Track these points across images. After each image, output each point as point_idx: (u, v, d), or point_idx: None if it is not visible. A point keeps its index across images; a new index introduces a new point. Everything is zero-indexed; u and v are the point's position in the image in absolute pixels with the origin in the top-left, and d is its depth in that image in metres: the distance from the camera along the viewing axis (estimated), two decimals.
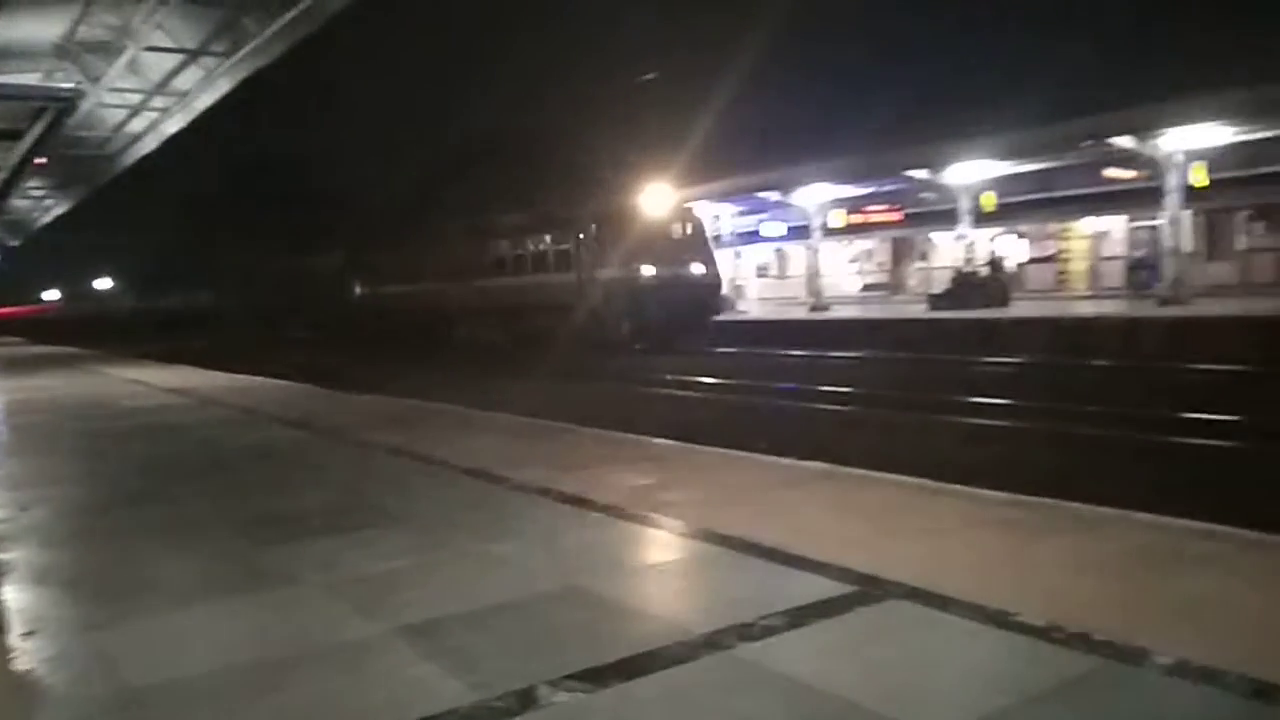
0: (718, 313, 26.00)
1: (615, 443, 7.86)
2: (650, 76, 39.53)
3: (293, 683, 3.03)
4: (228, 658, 3.29)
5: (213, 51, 21.68)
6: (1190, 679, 2.80)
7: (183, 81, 23.84)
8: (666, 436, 7.99)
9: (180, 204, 65.84)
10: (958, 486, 5.57)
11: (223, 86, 23.20)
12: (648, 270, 24.02)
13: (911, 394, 13.10)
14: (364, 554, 4.52)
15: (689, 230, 26.22)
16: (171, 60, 22.46)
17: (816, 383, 14.51)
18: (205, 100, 24.45)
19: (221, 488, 6.49)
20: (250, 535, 5.03)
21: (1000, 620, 3.32)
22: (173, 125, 27.30)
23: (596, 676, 2.95)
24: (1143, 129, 21.73)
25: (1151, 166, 23.36)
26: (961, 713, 2.67)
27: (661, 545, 4.69)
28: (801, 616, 3.44)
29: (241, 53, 20.63)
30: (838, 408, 12.67)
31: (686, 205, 27.86)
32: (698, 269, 25.27)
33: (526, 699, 2.81)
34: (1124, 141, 22.39)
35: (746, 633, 3.29)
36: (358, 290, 36.77)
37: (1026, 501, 5.13)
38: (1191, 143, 21.72)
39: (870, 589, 3.71)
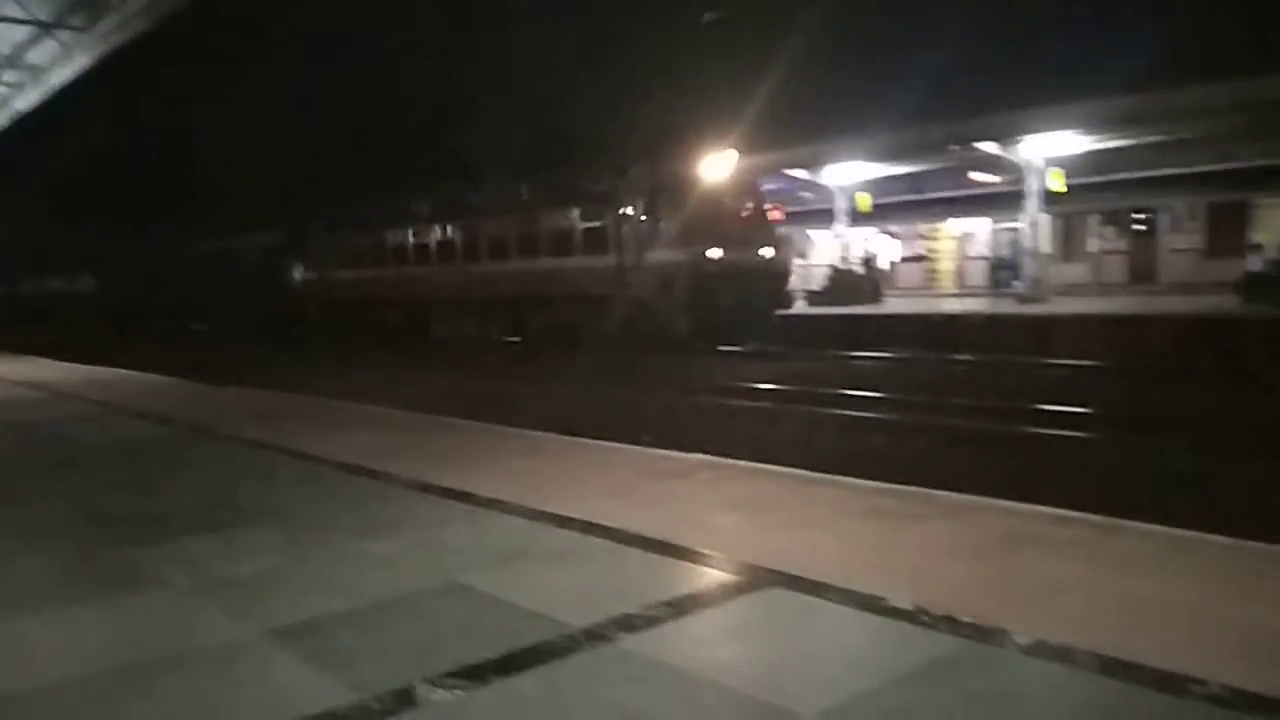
0: (786, 306, 21.69)
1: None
2: (714, 16, 31.28)
3: (157, 689, 2.90)
4: (87, 665, 3.12)
5: (70, 25, 20.43)
6: (1046, 658, 2.96)
7: (37, 56, 22.40)
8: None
9: (48, 186, 60.00)
10: (832, 476, 5.74)
11: (81, 62, 21.89)
12: (715, 253, 19.56)
13: (792, 387, 13.46)
14: (234, 553, 4.35)
15: (756, 206, 21.62)
16: (23, 32, 21.08)
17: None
18: (62, 76, 23.03)
19: (78, 486, 6.13)
20: (109, 536, 4.78)
21: (872, 605, 3.45)
22: (24, 102, 25.63)
23: (477, 673, 2.92)
24: (1004, 136, 22.78)
25: (1013, 171, 24.54)
26: (835, 694, 2.76)
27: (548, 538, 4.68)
28: (684, 606, 3.49)
29: (103, 26, 19.50)
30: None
31: (750, 176, 22.68)
32: (767, 252, 20.99)
33: (404, 698, 2.77)
34: (988, 147, 23.45)
35: (628, 624, 3.32)
36: (299, 276, 32.35)
37: (896, 490, 5.33)
38: (1050, 150, 22.92)
39: (750, 578, 3.79)
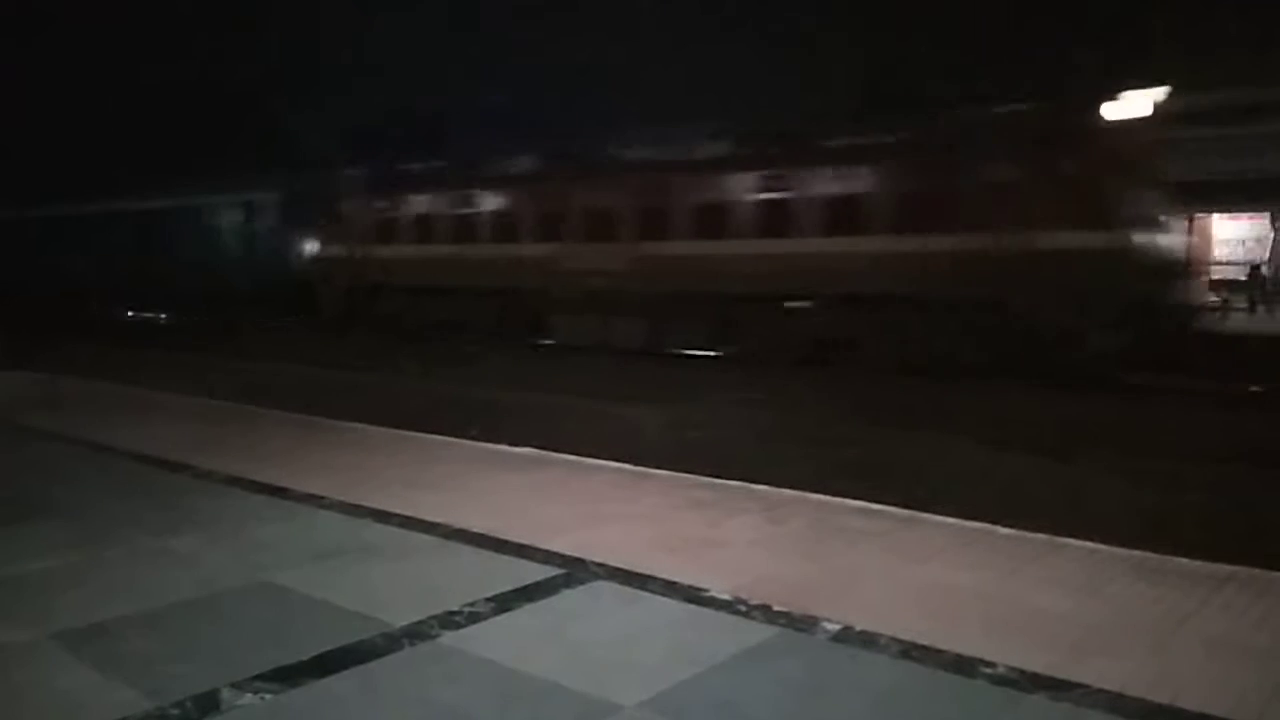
0: (1196, 314, 14.70)
1: None
2: None
3: None
4: None
5: None
6: (853, 644, 3.12)
7: None
8: None
9: None
10: (658, 471, 5.84)
11: None
12: (1161, 240, 13.31)
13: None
14: (14, 551, 4.00)
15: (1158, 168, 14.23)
16: None
17: None
18: None
19: None
20: None
21: (692, 596, 3.53)
22: None
23: (288, 675, 2.80)
24: None
25: None
26: (655, 684, 2.81)
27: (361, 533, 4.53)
28: (508, 601, 3.47)
29: None
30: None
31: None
32: (1179, 240, 14.75)
33: (208, 704, 2.62)
34: None
35: (450, 620, 3.27)
36: (321, 250, 23.45)
37: (715, 484, 5.47)
38: None
39: (574, 571, 3.81)
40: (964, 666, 2.93)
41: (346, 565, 3.94)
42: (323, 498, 5.00)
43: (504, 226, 19.60)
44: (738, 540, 4.36)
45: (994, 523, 4.62)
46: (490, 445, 6.81)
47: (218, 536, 4.34)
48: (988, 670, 2.90)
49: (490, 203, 20.06)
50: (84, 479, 5.58)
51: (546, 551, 4.07)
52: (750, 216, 15.84)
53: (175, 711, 2.57)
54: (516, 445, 6.70)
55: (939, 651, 3.03)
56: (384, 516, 4.66)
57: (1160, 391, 11.79)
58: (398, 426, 7.51)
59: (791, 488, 5.35)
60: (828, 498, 5.15)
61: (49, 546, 4.10)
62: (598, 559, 3.95)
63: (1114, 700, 2.69)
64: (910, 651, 3.04)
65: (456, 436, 7.18)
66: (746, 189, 15.98)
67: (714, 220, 16.18)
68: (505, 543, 4.20)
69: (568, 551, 4.06)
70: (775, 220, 15.44)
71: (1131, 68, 15.81)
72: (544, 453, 6.47)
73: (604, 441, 7.35)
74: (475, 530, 4.37)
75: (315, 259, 23.59)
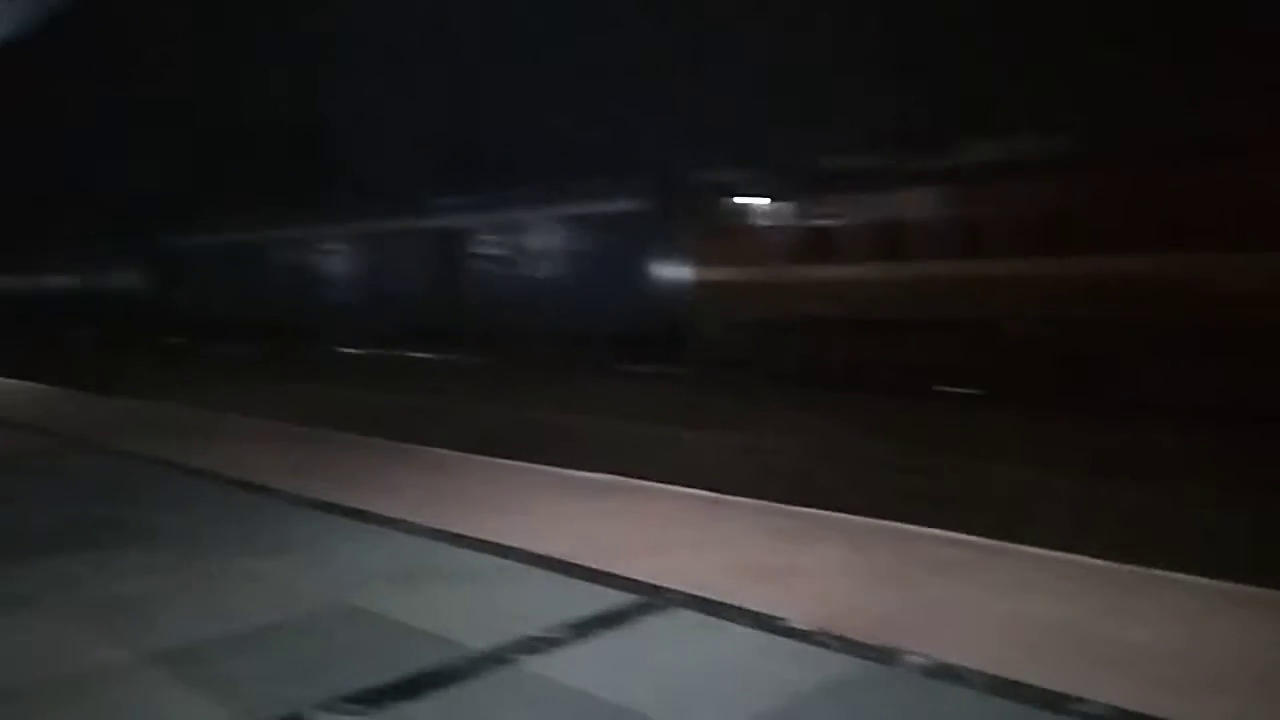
0: None
1: None
2: None
3: (28, 717, 2.73)
4: None
5: None
6: (939, 677, 3.03)
7: None
8: None
9: None
10: (735, 497, 5.78)
11: None
12: None
13: None
14: (112, 573, 4.14)
15: None
16: None
17: None
18: None
19: None
20: None
21: (771, 625, 3.48)
22: None
23: (373, 698, 2.84)
24: None
25: None
26: (735, 715, 2.77)
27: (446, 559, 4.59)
28: (586, 627, 3.47)
29: None
30: None
31: None
32: None
33: None
34: None
35: (529, 645, 3.27)
36: (702, 273, 16.94)
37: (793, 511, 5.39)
38: None
39: (652, 598, 3.79)
40: (1056, 703, 2.82)
41: (427, 588, 3.98)
42: (403, 521, 5.08)
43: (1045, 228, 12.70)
44: (818, 569, 4.29)
45: (1086, 554, 4.46)
46: (566, 470, 6.84)
47: (303, 559, 4.43)
48: (1081, 708, 2.79)
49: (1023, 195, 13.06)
50: (178, 500, 5.75)
51: (623, 578, 4.06)
52: None
53: None
54: (592, 471, 6.72)
55: (1029, 687, 2.92)
56: (462, 540, 4.71)
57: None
58: (473, 451, 7.60)
59: (873, 516, 5.25)
60: (911, 526, 5.04)
61: (144, 568, 4.24)
62: (675, 586, 3.92)
63: None
64: (999, 687, 2.94)
65: (536, 461, 7.22)
66: None
67: None
68: (582, 568, 4.20)
69: (645, 578, 4.04)
70: None
71: None
72: (619, 478, 6.47)
73: (679, 467, 7.33)
74: (553, 555, 4.38)
75: (694, 285, 16.92)
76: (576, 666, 3.12)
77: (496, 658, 3.17)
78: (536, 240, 20.73)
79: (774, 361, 15.44)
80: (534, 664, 3.14)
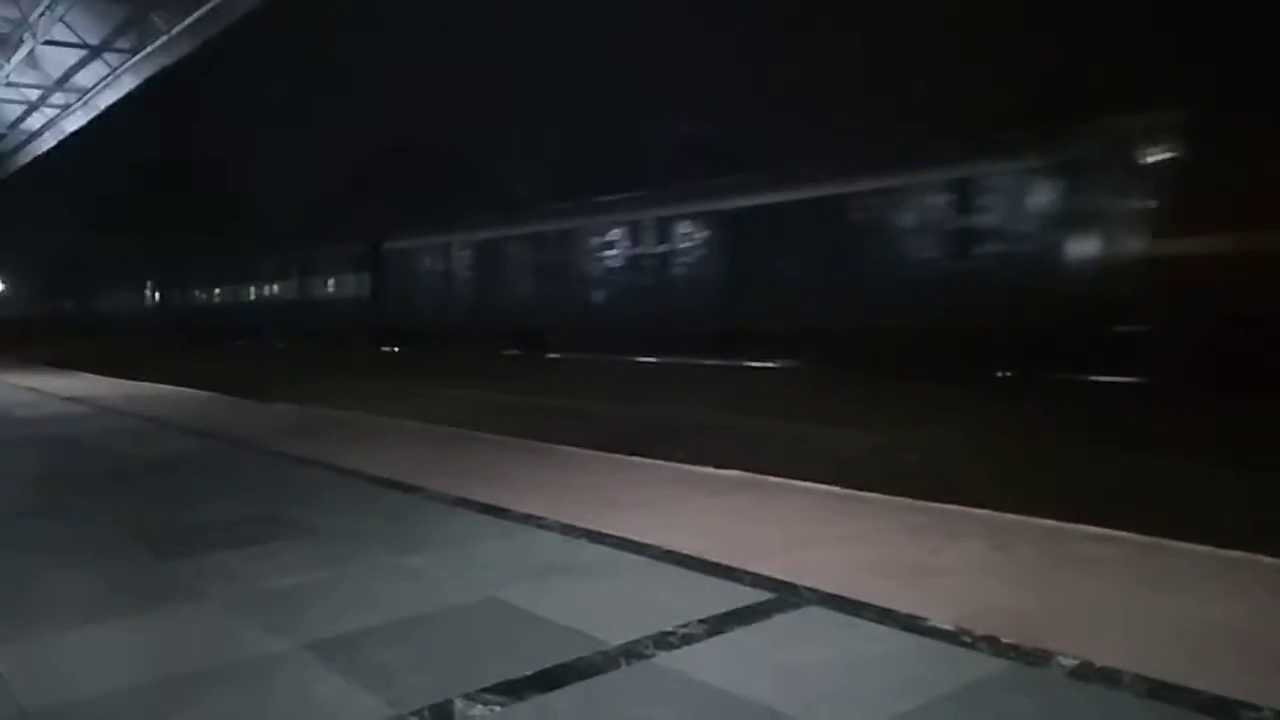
0: None
1: None
2: None
3: (195, 702, 2.93)
4: (127, 677, 3.15)
5: (117, 48, 21.00)
6: (1092, 680, 2.90)
7: (85, 78, 23.05)
8: None
9: (92, 201, 57.93)
10: (869, 494, 5.68)
11: (127, 84, 22.43)
12: None
13: None
14: (271, 567, 4.39)
15: None
16: (73, 55, 21.71)
17: None
18: (108, 98, 23.61)
19: (120, 500, 6.23)
20: (150, 550, 4.84)
21: (910, 625, 3.40)
22: (73, 123, 26.33)
23: (514, 689, 2.92)
24: None
25: None
26: (874, 716, 2.72)
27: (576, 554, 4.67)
28: (720, 624, 3.47)
29: (148, 49, 19.98)
30: None
31: None
32: None
33: (442, 714, 2.77)
34: None
35: (664, 641, 3.30)
36: (1160, 244, 11.42)
37: (930, 507, 5.26)
38: None
39: (786, 595, 3.76)
40: (1223, 709, 2.66)
41: (564, 583, 4.07)
42: (541, 518, 5.20)
43: None
44: (959, 567, 4.17)
45: (1252, 551, 4.18)
46: (696, 468, 6.86)
47: (447, 555, 4.60)
48: (1252, 714, 2.62)
49: None
50: (327, 500, 6.06)
51: (756, 574, 4.04)
52: None
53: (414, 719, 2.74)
54: (722, 468, 6.73)
55: (1193, 692, 2.76)
56: (597, 537, 4.78)
57: None
58: (603, 449, 7.72)
59: (1016, 512, 5.06)
60: (1057, 523, 4.84)
61: (299, 563, 4.48)
62: (809, 583, 3.88)
63: None
64: (1159, 691, 2.79)
65: (664, 459, 7.28)
66: None
67: None
68: (715, 565, 4.21)
69: (778, 575, 4.02)
70: None
71: None
72: (749, 475, 6.45)
73: (811, 463, 7.24)
74: (685, 552, 4.41)
75: (1150, 261, 11.67)
76: (711, 662, 3.13)
77: (632, 652, 3.21)
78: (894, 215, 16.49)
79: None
80: (669, 659, 3.16)
